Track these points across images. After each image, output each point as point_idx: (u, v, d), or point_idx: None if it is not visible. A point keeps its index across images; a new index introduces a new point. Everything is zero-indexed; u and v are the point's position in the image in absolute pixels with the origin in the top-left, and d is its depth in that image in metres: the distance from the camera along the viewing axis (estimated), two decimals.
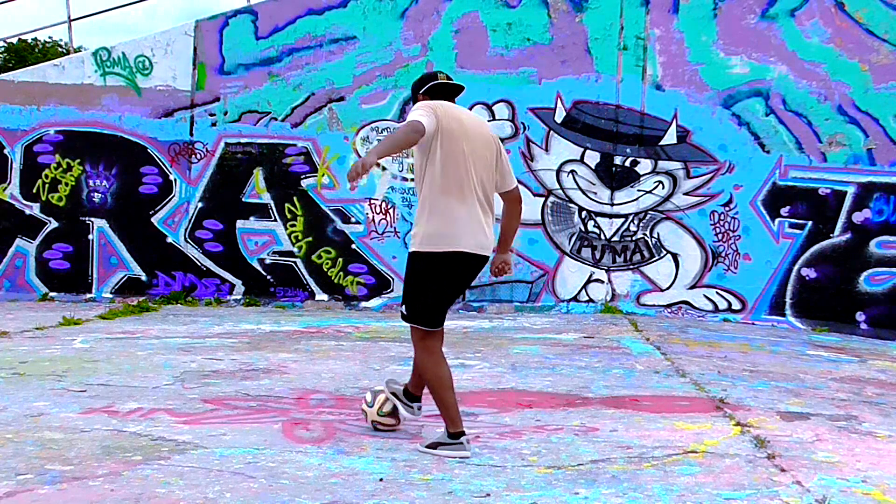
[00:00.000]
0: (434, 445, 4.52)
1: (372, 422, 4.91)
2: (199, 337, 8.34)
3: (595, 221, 10.98)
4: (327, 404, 5.47)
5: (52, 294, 11.17)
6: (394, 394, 4.89)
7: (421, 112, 4.45)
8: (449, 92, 4.73)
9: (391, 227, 11.07)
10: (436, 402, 4.59)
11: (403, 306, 4.58)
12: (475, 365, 7.14)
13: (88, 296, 11.17)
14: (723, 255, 10.65)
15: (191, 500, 3.70)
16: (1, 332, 8.34)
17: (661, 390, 6.24)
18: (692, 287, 10.79)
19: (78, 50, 14.35)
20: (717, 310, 10.67)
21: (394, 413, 4.88)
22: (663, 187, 10.82)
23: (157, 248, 11.17)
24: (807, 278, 10.30)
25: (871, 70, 10.03)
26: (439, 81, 4.72)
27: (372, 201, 11.09)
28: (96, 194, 11.20)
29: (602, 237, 10.97)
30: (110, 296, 11.15)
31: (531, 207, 10.97)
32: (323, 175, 11.08)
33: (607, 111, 10.89)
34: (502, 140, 10.97)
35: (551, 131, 10.95)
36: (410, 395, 4.88)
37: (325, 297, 11.12)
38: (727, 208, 10.62)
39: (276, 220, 11.13)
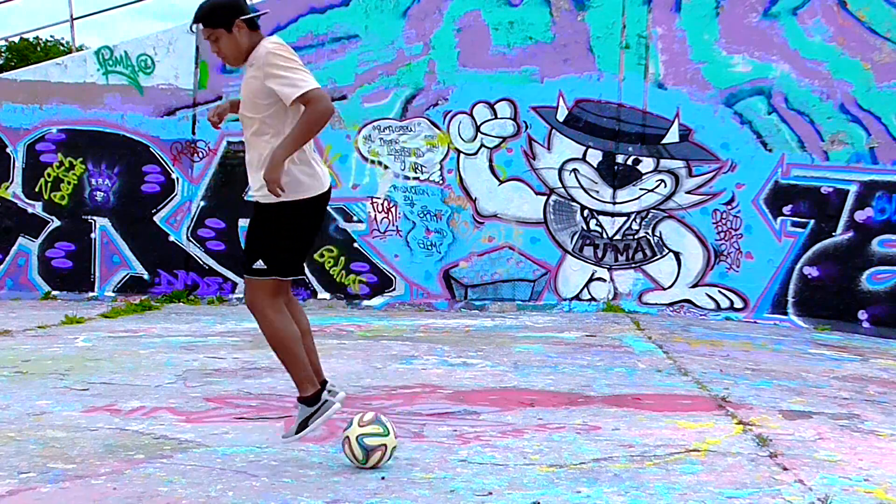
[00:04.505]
0: (303, 425, 4.35)
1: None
2: (202, 335, 8.35)
3: (597, 220, 10.98)
4: None
5: (54, 293, 11.18)
6: (315, 414, 4.43)
7: (300, 69, 4.16)
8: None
9: (393, 225, 11.07)
10: (288, 363, 4.35)
11: (258, 261, 4.27)
12: (477, 364, 7.15)
13: (91, 294, 11.18)
14: (725, 253, 10.65)
15: (193, 498, 3.70)
16: (3, 330, 8.35)
17: (664, 389, 6.24)
18: (694, 285, 10.78)
19: (80, 49, 14.36)
20: (719, 308, 10.66)
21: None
22: (665, 186, 10.81)
23: (160, 247, 11.18)
24: (809, 277, 10.29)
25: (873, 69, 10.02)
26: (259, 13, 4.39)
27: (374, 200, 11.09)
28: (99, 193, 11.21)
29: (604, 236, 10.97)
30: (112, 294, 11.16)
31: (533, 206, 10.98)
32: None
33: (609, 110, 10.88)
34: (504, 139, 11.03)
35: (553, 130, 10.94)
36: (307, 399, 4.43)
37: (327, 295, 11.12)
38: (729, 207, 10.61)
39: None
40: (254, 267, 4.33)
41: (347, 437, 4.13)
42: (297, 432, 4.42)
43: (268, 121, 4.28)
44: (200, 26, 4.34)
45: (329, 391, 4.53)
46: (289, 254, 4.35)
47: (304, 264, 4.42)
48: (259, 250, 4.33)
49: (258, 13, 4.42)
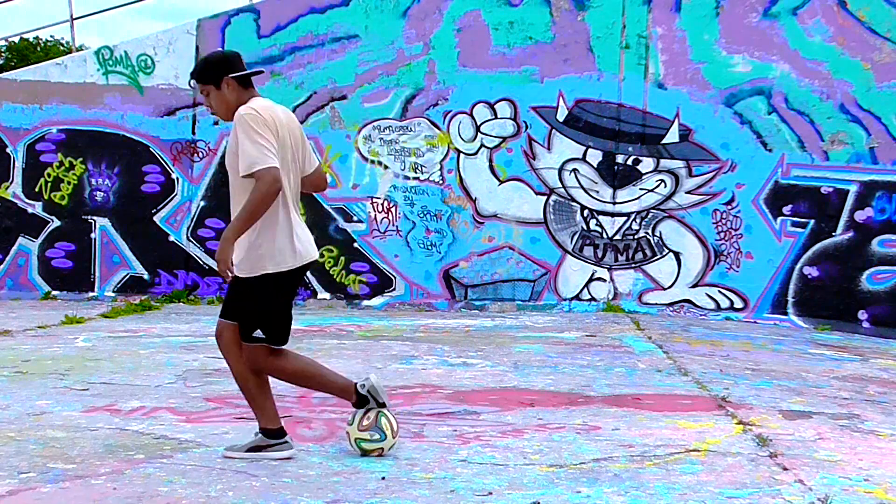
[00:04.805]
0: (258, 449, 4.30)
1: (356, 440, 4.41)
2: (202, 335, 8.34)
3: (597, 220, 10.97)
4: (329, 403, 5.46)
5: (54, 293, 11.18)
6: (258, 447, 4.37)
7: (262, 143, 4.04)
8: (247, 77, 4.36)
9: (393, 225, 11.07)
10: (258, 402, 4.33)
11: (256, 331, 4.24)
12: (477, 364, 7.15)
13: (91, 294, 11.18)
14: (725, 253, 10.64)
15: (193, 498, 3.70)
16: (3, 330, 8.35)
17: (664, 389, 6.24)
18: (694, 285, 10.78)
19: (80, 49, 14.36)
20: (719, 308, 10.66)
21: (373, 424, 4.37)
22: (665, 186, 10.81)
23: (160, 247, 11.18)
24: (809, 277, 10.29)
25: (873, 68, 10.02)
26: (251, 72, 4.39)
27: (374, 200, 11.09)
28: (99, 193, 11.21)
29: (604, 236, 10.97)
30: (112, 294, 11.16)
31: (533, 206, 10.98)
32: (325, 173, 11.06)
33: (609, 110, 10.88)
34: (504, 139, 11.04)
35: (553, 130, 10.94)
36: (272, 432, 4.37)
37: (327, 295, 11.12)
38: (729, 207, 10.61)
39: None
40: (254, 336, 4.28)
41: (348, 433, 4.42)
42: (243, 450, 4.33)
43: (237, 184, 4.24)
44: (194, 81, 4.38)
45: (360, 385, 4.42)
46: (278, 322, 4.31)
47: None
48: (251, 320, 4.27)
49: (251, 72, 4.40)
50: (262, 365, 4.33)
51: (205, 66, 4.34)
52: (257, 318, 4.25)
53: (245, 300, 4.26)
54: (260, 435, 4.37)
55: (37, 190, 11.20)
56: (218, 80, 4.27)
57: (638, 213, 10.90)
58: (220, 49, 4.49)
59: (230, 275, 4.09)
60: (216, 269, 4.35)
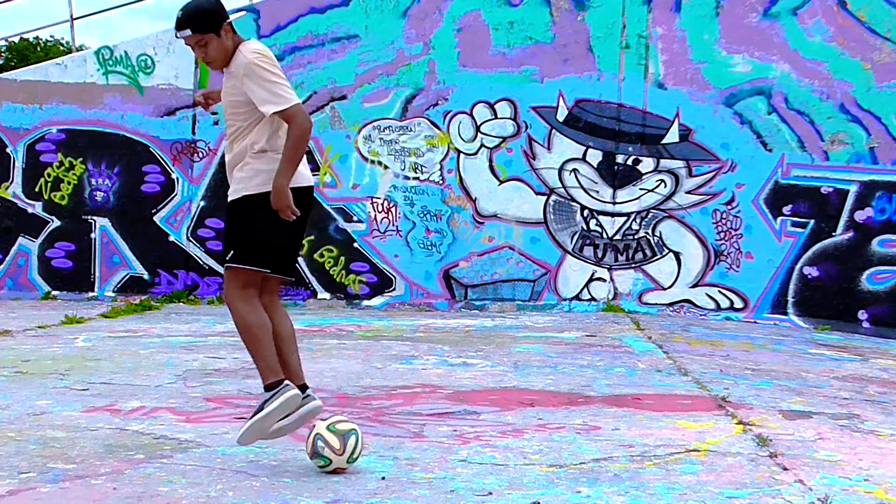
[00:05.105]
0: (260, 409, 4.12)
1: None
2: (202, 335, 8.34)
3: (597, 220, 10.97)
4: (329, 403, 5.46)
5: (54, 293, 11.18)
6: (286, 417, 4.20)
7: (281, 82, 4.12)
8: None
9: (393, 225, 11.07)
10: (253, 351, 4.19)
11: (239, 251, 4.16)
12: (477, 364, 7.15)
13: (91, 294, 11.18)
14: (725, 253, 10.64)
15: (193, 498, 3.70)
16: (3, 330, 8.35)
17: (664, 389, 6.24)
18: (694, 285, 10.78)
19: (80, 49, 14.36)
20: (719, 308, 10.66)
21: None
22: (665, 186, 10.81)
23: (160, 247, 11.18)
24: (809, 277, 10.29)
25: (873, 68, 10.02)
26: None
27: (374, 200, 11.09)
28: (99, 193, 11.21)
29: (604, 236, 10.97)
30: (112, 294, 11.16)
31: (533, 206, 10.98)
32: (325, 173, 11.08)
33: (609, 110, 10.88)
34: (504, 139, 11.03)
35: (553, 130, 10.94)
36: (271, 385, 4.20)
37: (327, 295, 11.12)
38: (729, 207, 10.61)
39: None
40: (226, 258, 4.24)
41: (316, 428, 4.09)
42: (253, 416, 4.16)
43: (244, 126, 4.24)
44: (188, 32, 4.20)
45: (307, 396, 4.31)
46: (263, 245, 4.23)
47: (296, 266, 4.26)
48: (233, 242, 4.24)
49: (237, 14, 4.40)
50: (230, 295, 4.20)
51: (204, 14, 4.18)
52: (239, 237, 4.18)
53: (234, 223, 4.21)
54: (263, 394, 4.19)
55: (37, 190, 11.21)
56: (218, 27, 4.19)
57: (638, 213, 10.90)
58: None
59: (290, 210, 4.08)
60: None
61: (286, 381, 4.17)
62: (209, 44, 4.22)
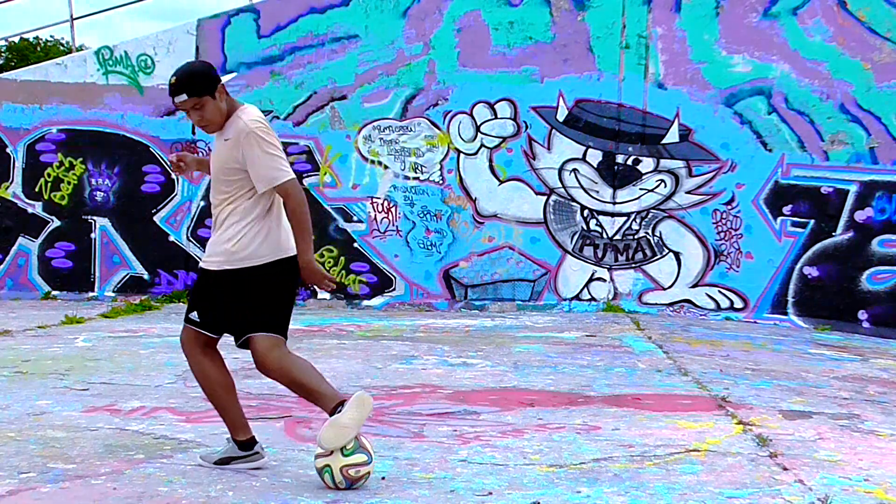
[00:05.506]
0: (226, 462, 4.17)
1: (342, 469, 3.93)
2: None
3: (597, 220, 10.97)
4: None
5: (54, 293, 11.18)
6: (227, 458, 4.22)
7: (278, 155, 4.07)
8: None
9: (393, 225, 11.07)
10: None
11: (269, 319, 4.17)
12: (477, 364, 7.15)
13: (91, 294, 11.18)
14: (725, 253, 10.64)
15: (193, 498, 3.70)
16: (3, 330, 8.35)
17: (663, 389, 6.24)
18: (694, 285, 10.78)
19: (80, 49, 14.37)
20: (719, 308, 10.66)
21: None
22: (665, 186, 10.81)
23: (160, 247, 11.17)
24: (809, 277, 10.29)
25: (873, 69, 10.01)
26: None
27: (374, 200, 11.09)
28: (99, 193, 11.21)
29: (604, 236, 10.97)
30: (112, 294, 11.16)
31: (533, 206, 10.98)
32: (325, 174, 11.08)
33: (609, 110, 10.88)
34: (504, 139, 11.03)
35: (553, 130, 10.94)
36: (244, 444, 4.24)
37: (327, 295, 11.12)
38: (729, 207, 10.60)
39: None
40: (251, 328, 4.20)
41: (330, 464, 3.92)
42: (216, 462, 4.20)
43: (237, 194, 4.18)
44: (184, 96, 4.10)
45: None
46: (285, 310, 4.26)
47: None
48: (256, 311, 4.18)
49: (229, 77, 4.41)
50: (284, 361, 4.20)
51: (198, 77, 4.14)
52: (270, 307, 4.17)
53: (256, 291, 4.16)
54: (232, 444, 4.22)
55: (37, 190, 11.20)
56: (213, 89, 4.13)
57: (638, 213, 10.89)
58: (189, 61, 4.30)
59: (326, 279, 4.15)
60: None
61: (257, 449, 4.21)
62: (205, 106, 4.14)
